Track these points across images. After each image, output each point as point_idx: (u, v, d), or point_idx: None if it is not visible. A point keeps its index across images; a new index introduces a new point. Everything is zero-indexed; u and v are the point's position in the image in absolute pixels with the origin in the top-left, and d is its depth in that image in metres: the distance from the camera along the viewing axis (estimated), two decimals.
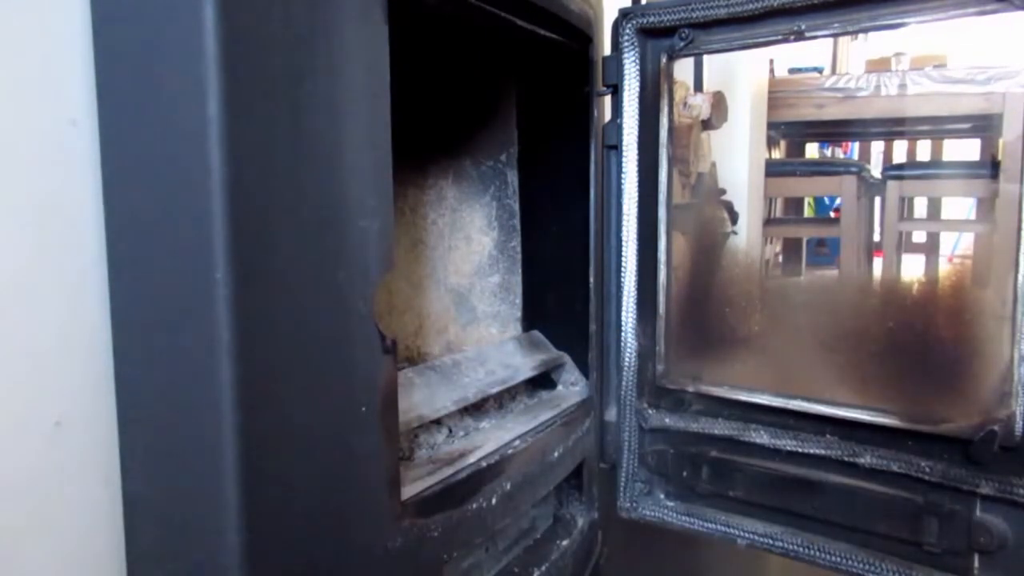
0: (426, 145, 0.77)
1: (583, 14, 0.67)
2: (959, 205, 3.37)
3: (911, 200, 2.92)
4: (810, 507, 0.61)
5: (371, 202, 0.41)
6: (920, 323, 0.67)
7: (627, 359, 0.68)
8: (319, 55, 0.38)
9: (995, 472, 0.53)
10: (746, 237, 1.89)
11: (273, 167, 0.36)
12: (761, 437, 0.62)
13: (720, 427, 0.64)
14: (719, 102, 1.52)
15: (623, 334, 0.68)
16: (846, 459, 0.60)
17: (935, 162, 3.06)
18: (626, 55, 0.66)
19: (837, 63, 3.43)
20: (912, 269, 2.98)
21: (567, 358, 0.73)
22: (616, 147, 0.67)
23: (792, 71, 2.97)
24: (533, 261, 0.75)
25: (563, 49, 0.68)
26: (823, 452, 0.62)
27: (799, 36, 0.59)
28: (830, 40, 3.32)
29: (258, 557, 0.36)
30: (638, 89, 0.66)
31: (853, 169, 2.54)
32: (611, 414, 0.70)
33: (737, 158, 1.92)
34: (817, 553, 0.60)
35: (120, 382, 0.38)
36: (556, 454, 0.64)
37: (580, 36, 0.68)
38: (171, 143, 0.34)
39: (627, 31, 0.65)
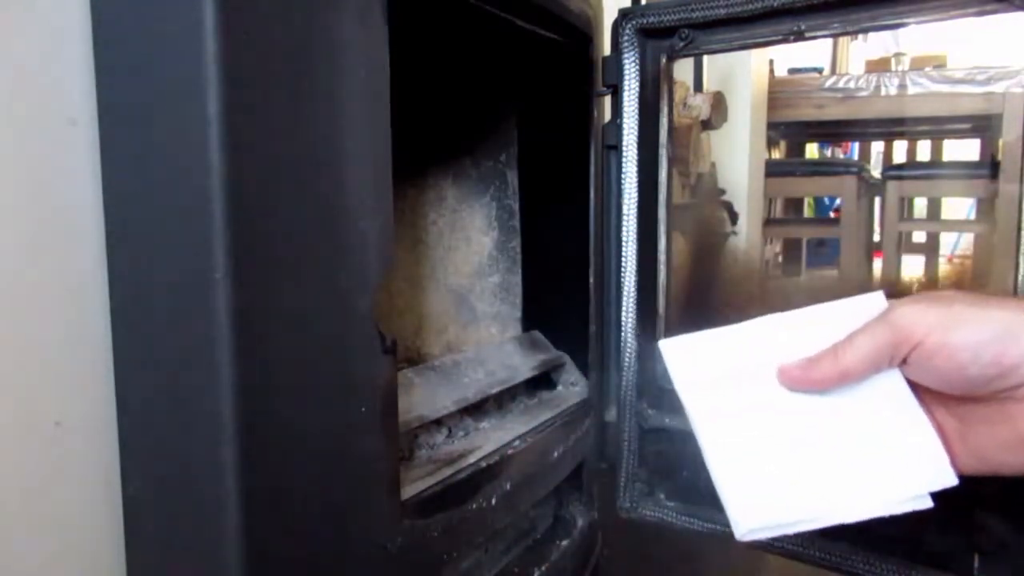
0: (426, 145, 0.77)
1: (583, 14, 0.67)
2: (959, 205, 3.38)
3: (911, 200, 2.93)
4: None
5: (371, 202, 0.41)
6: None
7: (627, 359, 0.68)
8: (319, 55, 0.38)
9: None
10: (746, 237, 1.89)
11: (273, 167, 0.36)
12: None
13: None
14: (719, 102, 1.53)
15: (623, 334, 0.68)
16: None
17: (935, 162, 3.07)
18: (626, 55, 0.66)
19: (837, 63, 3.43)
20: (912, 269, 2.98)
21: (567, 358, 0.73)
22: (616, 147, 0.67)
23: (792, 71, 2.97)
24: (533, 261, 0.75)
25: (563, 49, 0.68)
26: None
27: (799, 36, 0.59)
28: (830, 40, 3.32)
29: (258, 557, 0.36)
30: (638, 89, 0.66)
31: (853, 169, 2.54)
32: (611, 414, 0.70)
33: (737, 158, 1.91)
34: (817, 553, 0.60)
35: (120, 382, 0.38)
36: (556, 454, 0.64)
37: (580, 36, 0.68)
38: (171, 143, 0.34)
39: (627, 31, 0.65)
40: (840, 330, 0.40)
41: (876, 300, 0.41)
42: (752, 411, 0.42)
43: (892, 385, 0.40)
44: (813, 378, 0.39)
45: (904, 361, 0.38)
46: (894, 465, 0.40)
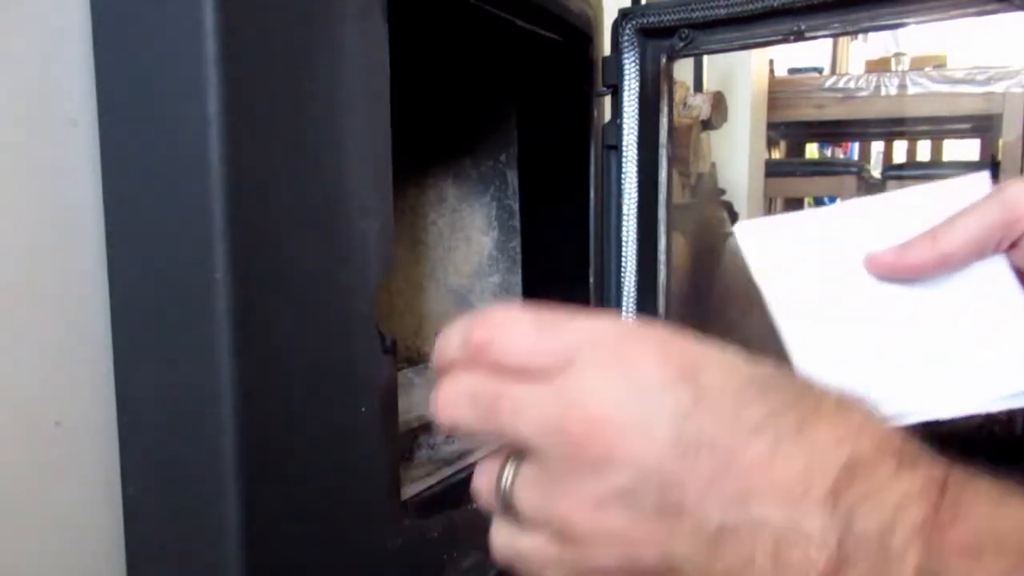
0: (426, 145, 0.77)
1: (583, 14, 0.67)
2: None
3: None
4: None
5: (371, 202, 0.41)
6: None
7: None
8: (319, 55, 0.38)
9: (994, 472, 0.53)
10: None
11: (273, 167, 0.36)
12: None
13: None
14: (719, 102, 1.52)
15: None
16: None
17: (935, 162, 3.06)
18: (626, 55, 0.66)
19: (837, 63, 3.43)
20: None
21: None
22: (616, 147, 0.67)
23: (792, 71, 2.96)
24: (533, 261, 0.75)
25: (563, 49, 0.68)
26: None
27: (799, 36, 0.59)
28: (830, 40, 3.32)
29: (258, 557, 0.36)
30: (638, 89, 0.66)
31: (853, 169, 2.54)
32: None
33: (737, 158, 1.91)
34: None
35: (120, 382, 0.38)
36: None
37: (580, 36, 0.68)
38: (171, 143, 0.34)
39: (627, 31, 0.65)
40: (937, 215, 0.36)
41: (979, 182, 0.37)
42: (838, 302, 0.39)
43: (995, 273, 0.37)
44: (907, 263, 0.35)
45: (1013, 245, 0.34)
46: (993, 360, 0.37)
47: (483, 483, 0.29)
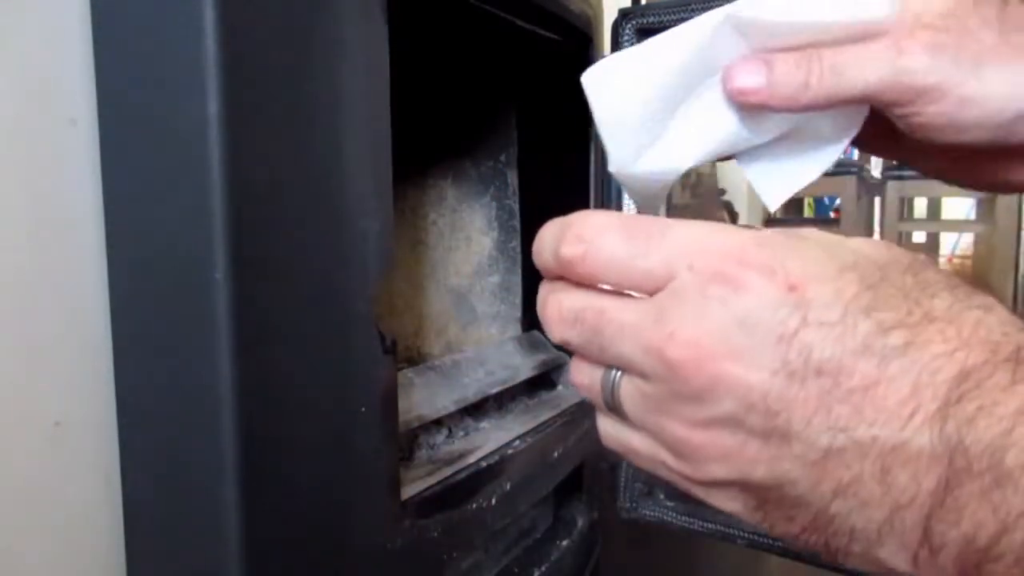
0: (426, 145, 0.77)
1: (583, 14, 0.67)
2: (959, 205, 3.37)
3: (911, 200, 2.92)
4: None
5: (371, 202, 0.41)
6: None
7: None
8: (319, 55, 0.38)
9: None
10: None
11: (273, 167, 0.36)
12: None
13: None
14: None
15: None
16: None
17: None
18: None
19: None
20: None
21: (567, 358, 0.73)
22: None
23: None
24: (533, 262, 0.75)
25: (563, 49, 0.68)
26: None
27: None
28: None
29: (258, 557, 0.36)
30: None
31: (853, 169, 2.53)
32: None
33: None
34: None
35: (120, 382, 0.38)
36: (556, 454, 0.64)
37: (580, 36, 0.68)
38: (171, 143, 0.34)
39: (627, 31, 0.65)
40: (821, 30, 0.30)
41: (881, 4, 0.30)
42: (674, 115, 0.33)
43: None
44: (772, 96, 0.30)
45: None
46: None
47: (584, 380, 0.28)
